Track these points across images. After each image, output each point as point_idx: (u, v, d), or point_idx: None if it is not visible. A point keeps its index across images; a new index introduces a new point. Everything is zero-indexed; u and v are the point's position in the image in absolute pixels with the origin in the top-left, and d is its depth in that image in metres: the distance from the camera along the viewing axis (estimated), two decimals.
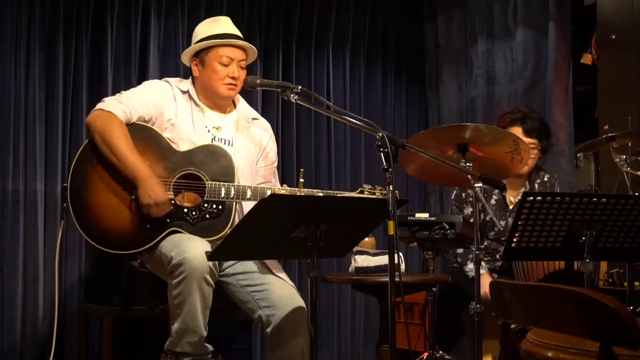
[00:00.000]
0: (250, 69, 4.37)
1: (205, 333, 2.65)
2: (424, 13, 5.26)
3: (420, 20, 5.28)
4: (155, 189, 2.73)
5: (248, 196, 2.82)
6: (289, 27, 4.66)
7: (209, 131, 2.98)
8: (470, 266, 3.43)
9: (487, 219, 3.49)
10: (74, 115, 3.82)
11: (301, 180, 2.84)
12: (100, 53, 3.93)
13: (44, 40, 3.77)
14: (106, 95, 3.47)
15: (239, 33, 3.06)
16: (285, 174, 4.49)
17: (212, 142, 2.94)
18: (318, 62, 4.76)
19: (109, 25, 3.93)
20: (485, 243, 3.53)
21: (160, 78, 3.74)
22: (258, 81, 2.83)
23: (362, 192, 2.88)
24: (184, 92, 3.00)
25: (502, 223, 3.51)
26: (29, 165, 3.70)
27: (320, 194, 2.85)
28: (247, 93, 4.08)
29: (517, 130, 3.44)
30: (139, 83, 3.26)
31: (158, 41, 4.08)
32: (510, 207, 3.55)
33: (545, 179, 3.59)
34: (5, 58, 3.66)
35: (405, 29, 5.20)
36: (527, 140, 3.36)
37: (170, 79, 3.07)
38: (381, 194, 2.86)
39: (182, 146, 2.88)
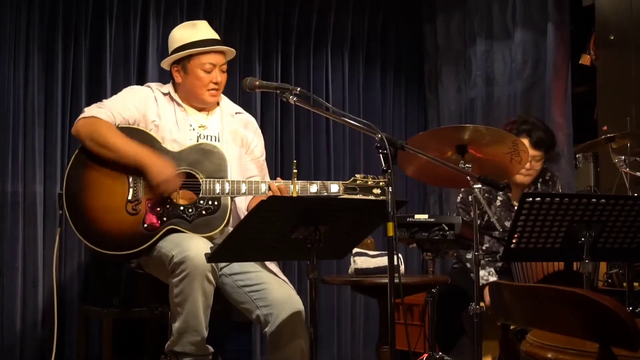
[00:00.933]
0: (248, 70, 4.39)
1: (206, 333, 2.64)
2: (424, 13, 5.27)
3: (419, 21, 5.28)
4: (162, 166, 2.76)
5: (243, 191, 2.82)
6: (287, 28, 4.66)
7: (193, 129, 2.98)
8: (482, 272, 3.37)
9: (492, 220, 3.48)
10: (73, 116, 3.80)
11: (294, 170, 2.83)
12: (99, 54, 3.93)
13: (42, 41, 3.77)
14: (105, 96, 3.48)
15: (217, 37, 3.05)
16: (284, 175, 4.47)
17: (197, 140, 2.95)
18: (317, 62, 4.75)
19: (108, 26, 3.93)
20: (487, 245, 3.53)
21: (159, 79, 3.76)
22: (257, 83, 2.81)
23: (354, 180, 2.84)
24: (165, 94, 3.01)
25: (507, 224, 3.51)
26: (28, 167, 3.70)
27: (315, 187, 2.83)
28: (246, 95, 4.09)
29: (525, 142, 3.41)
30: (138, 84, 3.25)
31: (157, 42, 4.07)
32: (515, 208, 3.55)
33: (547, 177, 3.59)
34: (4, 59, 3.66)
35: (404, 29, 5.20)
36: (533, 153, 3.36)
37: (151, 84, 3.08)
38: (374, 182, 2.83)
39: (168, 146, 2.88)
